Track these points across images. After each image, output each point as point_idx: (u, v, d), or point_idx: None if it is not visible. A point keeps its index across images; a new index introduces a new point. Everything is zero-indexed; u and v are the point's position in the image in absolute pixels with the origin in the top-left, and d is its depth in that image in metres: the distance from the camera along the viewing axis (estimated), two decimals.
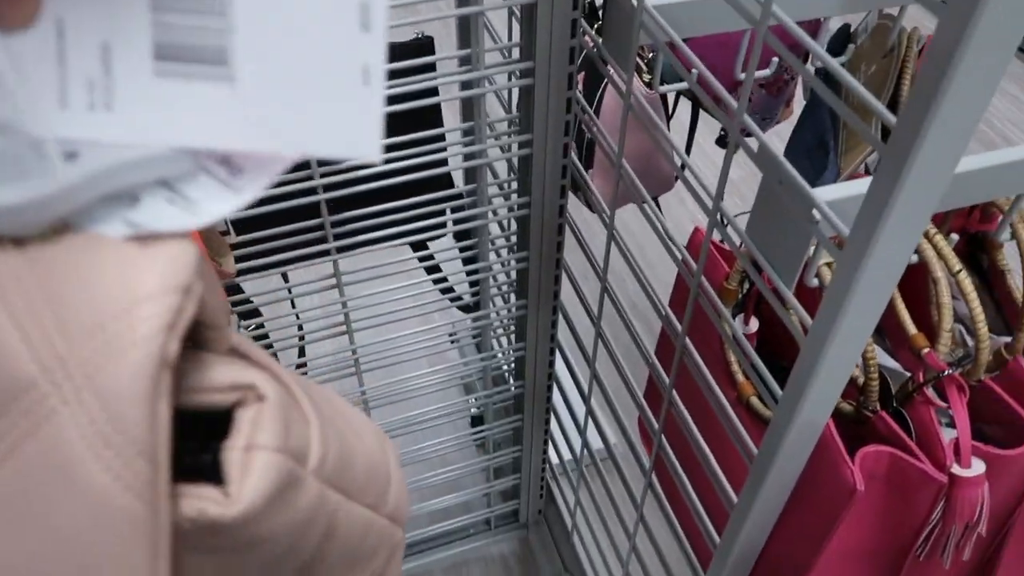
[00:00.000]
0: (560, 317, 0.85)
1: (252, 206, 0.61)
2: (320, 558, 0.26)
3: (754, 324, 0.64)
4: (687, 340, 0.60)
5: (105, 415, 0.20)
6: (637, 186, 0.63)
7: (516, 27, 0.69)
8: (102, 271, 0.21)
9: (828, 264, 0.51)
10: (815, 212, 0.41)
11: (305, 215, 0.67)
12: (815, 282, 0.50)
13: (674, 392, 0.64)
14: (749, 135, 0.90)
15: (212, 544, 0.23)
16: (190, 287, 0.21)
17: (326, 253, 0.71)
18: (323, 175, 0.64)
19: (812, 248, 0.45)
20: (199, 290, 0.22)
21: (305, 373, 0.86)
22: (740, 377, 0.60)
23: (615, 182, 0.72)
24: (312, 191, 0.64)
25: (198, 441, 0.23)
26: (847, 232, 0.37)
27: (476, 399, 1.01)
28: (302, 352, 0.91)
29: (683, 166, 0.61)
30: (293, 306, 0.89)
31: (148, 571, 0.21)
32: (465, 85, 0.78)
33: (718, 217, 0.51)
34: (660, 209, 1.00)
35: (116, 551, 0.21)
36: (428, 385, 0.95)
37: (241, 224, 0.67)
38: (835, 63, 0.40)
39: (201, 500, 0.22)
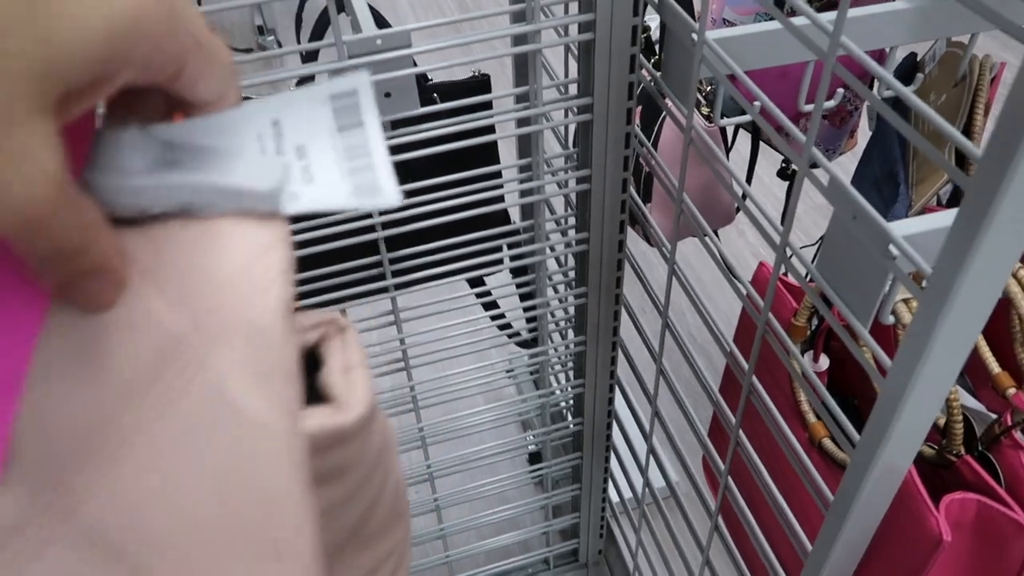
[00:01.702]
0: (620, 353, 0.83)
1: (312, 244, 0.62)
2: (377, 503, 0.30)
3: (824, 362, 0.62)
4: (754, 378, 0.58)
5: (252, 348, 0.23)
6: (698, 219, 0.62)
7: (572, 63, 0.69)
8: (221, 237, 0.24)
9: (905, 301, 0.49)
10: (892, 248, 0.39)
11: (364, 252, 0.67)
12: (891, 319, 0.48)
13: (740, 432, 0.61)
14: (815, 167, 0.88)
15: (323, 463, 0.26)
16: (288, 239, 0.25)
17: (384, 290, 0.71)
18: (382, 213, 0.64)
19: (888, 284, 0.43)
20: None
21: None
22: (811, 418, 0.58)
23: (675, 216, 0.70)
24: (371, 229, 0.65)
25: None
26: (929, 269, 0.35)
27: (534, 436, 1.00)
28: None
29: (744, 197, 0.59)
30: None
31: (296, 481, 0.23)
32: (522, 122, 0.78)
33: (785, 252, 0.50)
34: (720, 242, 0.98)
35: (270, 466, 0.23)
36: (485, 422, 0.94)
37: (301, 261, 0.68)
38: (907, 91, 0.38)
39: (318, 416, 0.25)
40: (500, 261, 0.77)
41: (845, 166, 1.72)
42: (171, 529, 0.22)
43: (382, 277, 0.69)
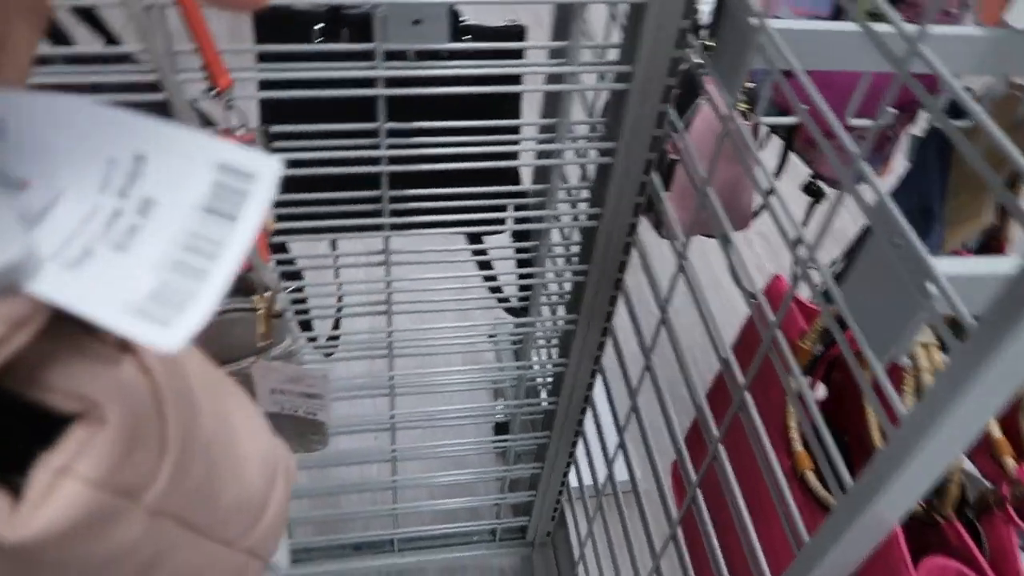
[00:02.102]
0: (609, 339, 0.80)
1: (309, 165, 0.57)
2: None
3: (821, 390, 0.59)
4: (747, 394, 0.54)
5: None
6: (719, 219, 0.58)
7: (615, 30, 0.65)
8: None
9: (924, 345, 0.46)
10: (930, 285, 0.36)
11: (364, 185, 0.63)
12: (905, 361, 0.45)
13: (720, 445, 0.58)
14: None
15: None
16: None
17: (379, 228, 0.67)
18: (390, 147, 0.60)
19: (915, 323, 0.40)
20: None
21: (336, 347, 0.83)
22: (798, 446, 0.55)
23: (694, 209, 0.67)
24: (375, 161, 0.61)
25: (36, 432, 0.20)
26: (970, 319, 0.31)
27: (504, 406, 0.97)
28: (337, 324, 0.88)
29: (763, 206, 0.56)
30: (336, 276, 0.86)
31: None
32: (551, 81, 0.73)
33: (806, 267, 0.46)
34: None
35: None
36: (458, 382, 0.91)
37: (297, 182, 0.64)
38: (986, 119, 0.35)
39: None
40: (503, 221, 0.74)
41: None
42: None
43: (379, 214, 0.65)
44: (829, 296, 0.45)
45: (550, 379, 0.90)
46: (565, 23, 0.79)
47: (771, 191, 0.53)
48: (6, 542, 0.18)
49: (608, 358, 0.84)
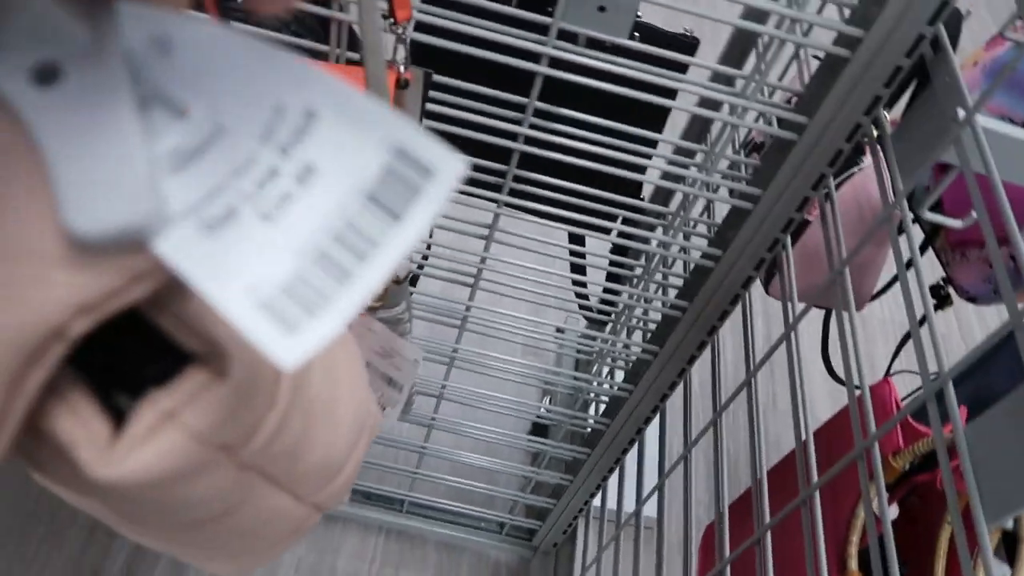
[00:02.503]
0: (683, 381, 0.76)
1: (447, 121, 0.55)
2: (204, 521, 0.22)
3: (894, 511, 0.54)
4: (817, 493, 0.51)
5: None
6: (847, 297, 0.54)
7: (794, 69, 0.61)
8: (39, 207, 0.16)
9: None
10: None
11: (491, 155, 0.61)
12: (1008, 524, 0.41)
13: (768, 535, 0.55)
14: (973, 299, 0.77)
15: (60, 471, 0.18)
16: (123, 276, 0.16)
17: (494, 202, 0.65)
18: (531, 126, 0.58)
19: None
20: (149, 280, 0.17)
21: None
22: (853, 563, 0.51)
23: (817, 278, 0.62)
24: (512, 136, 0.58)
25: (149, 358, 0.18)
26: None
27: (549, 410, 0.94)
28: (414, 282, 0.86)
29: (879, 292, 0.51)
30: (430, 235, 0.84)
31: None
32: (706, 104, 0.70)
33: (930, 382, 0.42)
34: (827, 324, 0.89)
35: None
36: (514, 372, 0.89)
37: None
38: None
39: (83, 427, 0.17)
40: (609, 231, 0.71)
41: (987, 320, 1.59)
42: None
43: (497, 189, 0.63)
44: (944, 418, 0.41)
45: (606, 399, 0.87)
46: (742, 50, 0.75)
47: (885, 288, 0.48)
48: (98, 479, 0.17)
49: (674, 397, 0.81)
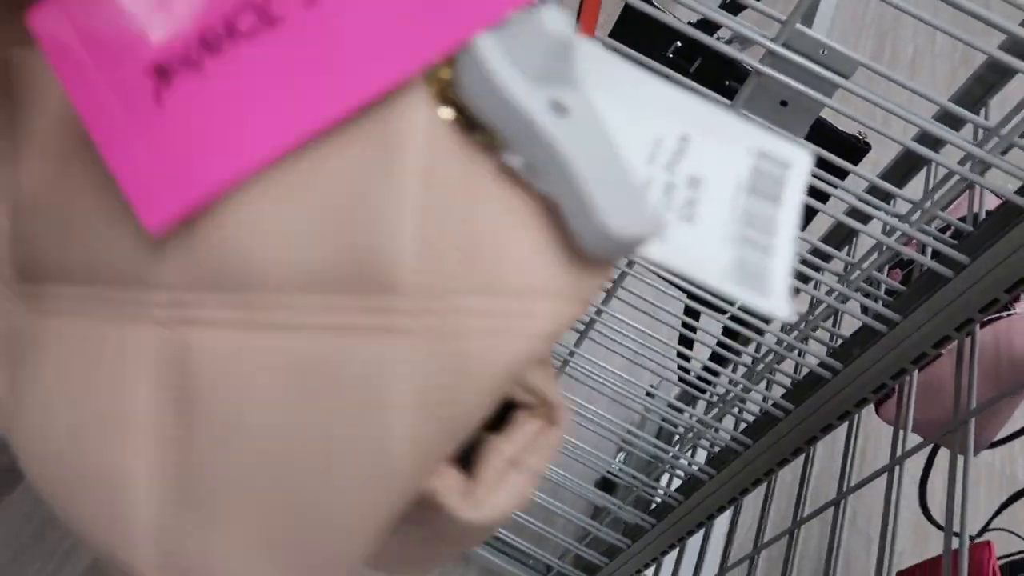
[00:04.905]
0: (768, 482, 0.75)
1: None
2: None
3: None
4: None
5: (446, 380, 0.17)
6: (967, 442, 0.52)
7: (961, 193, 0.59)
8: (524, 236, 0.18)
9: None
10: None
11: None
12: None
13: None
14: None
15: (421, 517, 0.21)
16: (584, 304, 0.18)
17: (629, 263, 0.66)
18: None
19: None
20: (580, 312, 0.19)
21: None
22: None
23: (938, 414, 0.60)
24: None
25: None
26: None
27: (623, 469, 0.94)
28: None
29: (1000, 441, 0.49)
30: None
31: (384, 519, 0.19)
32: (856, 214, 0.68)
33: None
34: (931, 460, 0.85)
35: (367, 488, 0.18)
36: (591, 423, 0.89)
37: None
38: None
39: (446, 484, 0.20)
40: (725, 312, 0.70)
41: None
42: None
43: None
44: None
45: (686, 477, 0.86)
46: (908, 169, 0.73)
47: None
48: (462, 520, 0.20)
49: (753, 495, 0.79)
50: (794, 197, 0.20)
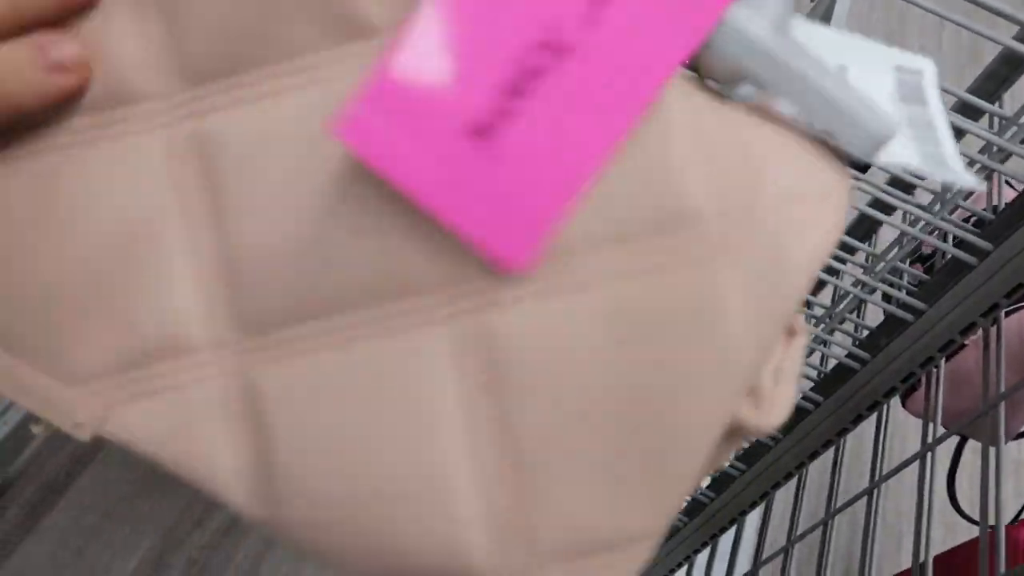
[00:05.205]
0: (798, 475, 0.76)
1: None
2: None
3: None
4: None
5: (769, 277, 0.20)
6: (996, 430, 0.53)
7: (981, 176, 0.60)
8: (782, 150, 0.21)
9: None
10: None
11: None
12: None
13: None
14: None
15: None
16: (847, 202, 0.22)
17: None
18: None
19: None
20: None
21: None
22: None
23: (965, 404, 0.61)
24: None
25: None
26: None
27: None
28: None
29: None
30: None
31: (726, 421, 0.21)
32: (877, 204, 0.69)
33: None
34: (959, 453, 0.86)
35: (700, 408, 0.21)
36: None
37: None
38: None
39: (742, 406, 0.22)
40: None
41: None
42: None
43: None
44: None
45: (717, 473, 0.87)
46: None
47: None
48: (758, 428, 0.22)
49: (784, 489, 0.80)
50: (935, 96, 0.24)
